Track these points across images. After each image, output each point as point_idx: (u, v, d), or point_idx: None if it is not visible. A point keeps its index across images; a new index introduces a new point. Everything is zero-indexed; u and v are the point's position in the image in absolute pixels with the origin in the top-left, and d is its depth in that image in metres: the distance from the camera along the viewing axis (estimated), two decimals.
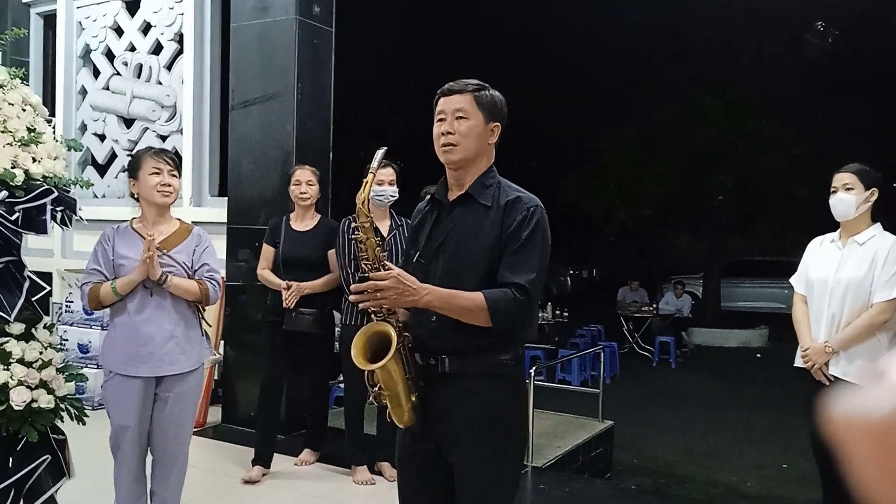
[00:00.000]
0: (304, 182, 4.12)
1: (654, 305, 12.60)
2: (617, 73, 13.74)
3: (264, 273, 4.14)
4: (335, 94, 5.18)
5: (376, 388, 2.00)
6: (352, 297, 1.91)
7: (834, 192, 3.17)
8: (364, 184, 1.97)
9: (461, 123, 1.99)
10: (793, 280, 3.39)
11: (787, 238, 12.60)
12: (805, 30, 14.06)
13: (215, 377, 5.33)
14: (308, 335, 4.07)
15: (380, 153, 2.00)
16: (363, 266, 1.96)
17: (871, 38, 13.27)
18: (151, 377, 2.86)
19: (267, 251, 4.18)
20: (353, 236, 2.05)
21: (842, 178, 3.14)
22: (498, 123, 2.05)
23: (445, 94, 2.04)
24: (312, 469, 4.30)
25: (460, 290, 1.95)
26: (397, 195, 3.94)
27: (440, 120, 2.03)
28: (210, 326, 3.30)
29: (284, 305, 3.98)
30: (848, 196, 3.11)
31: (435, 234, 2.07)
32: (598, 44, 13.73)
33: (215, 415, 5.13)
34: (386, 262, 1.95)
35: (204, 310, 3.06)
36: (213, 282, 2.96)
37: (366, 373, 2.01)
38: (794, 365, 3.27)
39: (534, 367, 5.30)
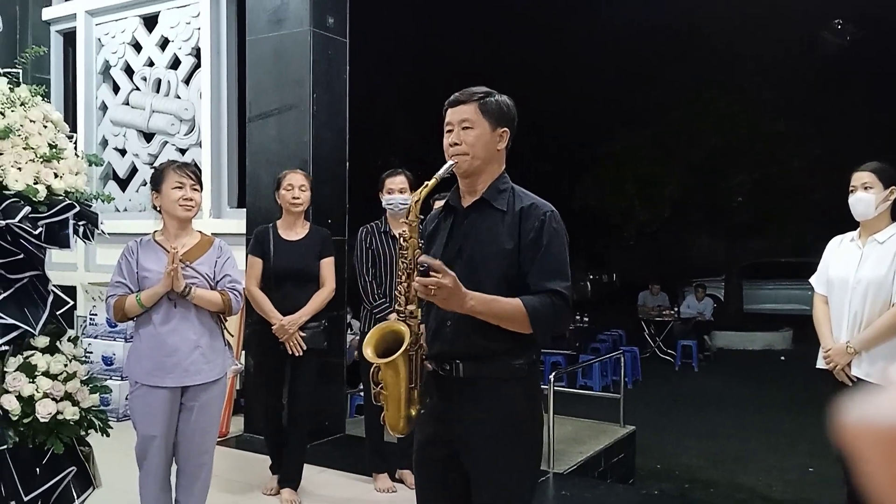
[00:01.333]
0: (297, 187, 3.82)
1: (676, 309, 12.52)
2: (631, 74, 13.70)
3: (256, 294, 3.75)
4: (350, 103, 5.22)
5: (378, 388, 2.03)
6: (414, 284, 1.91)
7: (853, 191, 3.14)
8: (424, 186, 2.04)
9: (467, 134, 2.02)
10: (813, 280, 3.36)
11: (807, 238, 12.48)
12: (821, 28, 13.94)
13: (237, 387, 5.38)
14: (303, 353, 3.79)
15: (449, 163, 2.04)
16: (400, 262, 2.02)
17: (887, 36, 13.13)
18: (177, 387, 2.90)
19: (255, 263, 3.79)
20: (400, 232, 2.09)
21: (861, 177, 3.12)
22: (507, 129, 2.07)
23: (452, 105, 2.07)
24: (333, 477, 4.31)
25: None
26: (409, 203, 3.93)
27: (448, 131, 2.06)
28: (232, 336, 3.34)
29: (287, 346, 3.73)
30: (867, 195, 3.08)
31: (451, 240, 2.09)
32: (612, 45, 13.68)
33: (238, 424, 5.16)
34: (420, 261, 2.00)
35: (226, 320, 3.10)
36: (234, 292, 3.00)
37: (371, 369, 2.05)
38: (817, 367, 3.24)
39: (554, 373, 5.28)
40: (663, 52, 13.40)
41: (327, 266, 3.88)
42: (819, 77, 12.80)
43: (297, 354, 3.75)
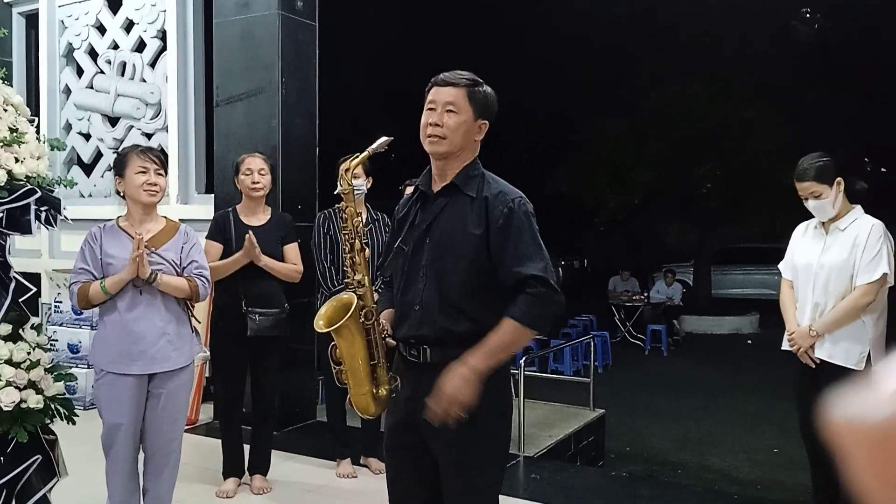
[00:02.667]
0: (256, 171, 3.70)
1: (646, 294, 12.65)
2: (605, 62, 13.71)
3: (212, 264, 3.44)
4: (321, 89, 5.17)
5: (339, 367, 2.04)
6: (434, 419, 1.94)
7: (805, 200, 3.19)
8: (354, 156, 2.09)
9: (450, 117, 2.00)
10: (780, 266, 3.43)
11: (776, 224, 12.66)
12: (791, 17, 14.09)
13: (206, 374, 5.33)
14: (265, 342, 3.72)
15: (384, 139, 2.06)
16: (342, 237, 2.02)
17: (855, 26, 13.33)
18: (144, 374, 2.86)
19: (212, 248, 3.63)
20: (338, 206, 2.12)
21: (805, 188, 3.16)
22: (486, 121, 2.06)
23: (439, 85, 2.03)
24: (301, 464, 4.30)
25: (446, 278, 1.98)
26: (364, 187, 3.87)
27: (430, 109, 2.02)
28: (199, 323, 3.30)
29: (254, 253, 3.57)
30: (820, 202, 3.14)
31: (420, 223, 2.08)
32: (585, 33, 13.68)
33: (207, 412, 5.12)
34: (360, 230, 2.07)
35: (193, 307, 3.07)
36: (202, 279, 2.96)
37: (329, 350, 2.06)
38: (782, 349, 3.31)
39: (524, 358, 5.31)
40: (637, 41, 13.45)
41: (293, 251, 3.81)
42: (788, 66, 12.95)
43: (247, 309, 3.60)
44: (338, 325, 1.98)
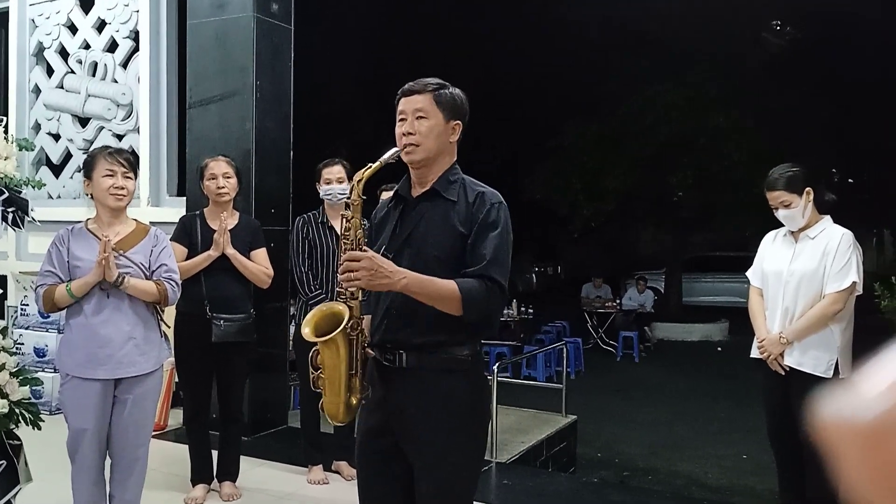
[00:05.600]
0: (221, 175, 3.63)
1: (618, 301, 12.74)
2: (580, 68, 13.80)
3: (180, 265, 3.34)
4: (298, 92, 5.14)
5: (317, 372, 2.02)
6: (340, 275, 1.92)
7: (775, 209, 3.24)
8: (368, 167, 2.04)
9: (421, 123, 2.01)
10: (749, 273, 3.47)
11: (748, 232, 12.80)
12: (765, 24, 14.32)
13: (176, 379, 5.26)
14: (231, 347, 3.64)
15: (394, 150, 2.04)
16: (343, 244, 2.00)
17: (826, 33, 13.59)
18: (110, 379, 2.82)
19: (177, 250, 3.47)
20: (343, 213, 2.07)
21: (775, 197, 3.21)
22: (459, 122, 2.08)
23: (406, 95, 2.06)
24: (272, 471, 4.26)
25: None
26: (347, 193, 3.87)
27: (401, 120, 2.05)
28: (169, 328, 3.26)
29: (221, 247, 3.54)
30: (790, 211, 3.19)
31: (401, 228, 2.09)
32: (562, 39, 13.78)
33: (177, 417, 5.05)
34: (365, 246, 1.99)
35: (163, 311, 3.03)
36: (171, 282, 2.93)
37: (311, 352, 2.03)
38: (751, 356, 3.35)
39: (497, 364, 5.32)
40: (611, 47, 13.56)
41: (261, 256, 3.74)
42: (762, 74, 13.14)
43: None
44: (328, 337, 1.96)
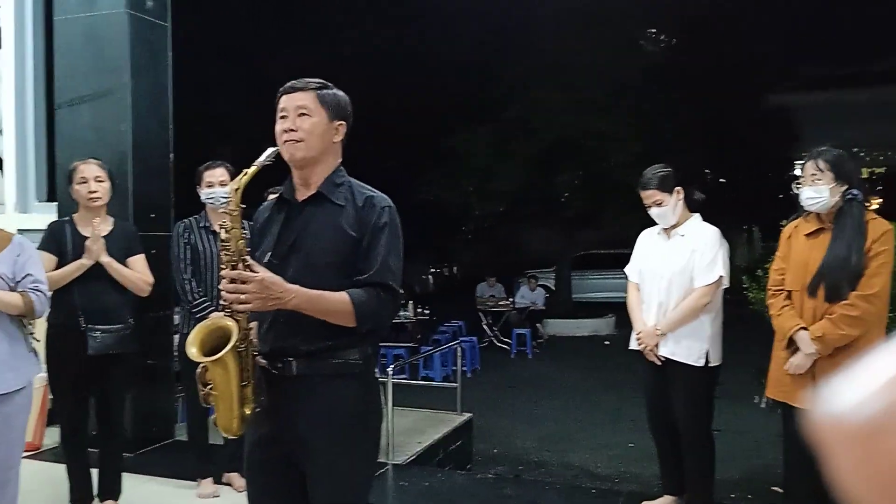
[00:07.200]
0: (92, 179, 3.43)
1: (511, 299, 13.02)
2: (471, 71, 14.05)
3: (49, 275, 3.16)
4: (178, 92, 4.96)
5: (206, 389, 1.95)
6: (222, 287, 1.85)
7: (648, 207, 3.41)
8: (244, 173, 1.96)
9: (304, 120, 1.97)
10: (627, 270, 3.63)
11: (629, 231, 13.32)
12: (643, 31, 15.02)
13: (50, 396, 4.96)
14: (109, 360, 3.46)
15: (270, 150, 1.98)
16: (222, 256, 1.91)
17: (702, 40, 14.39)
18: None
19: (45, 259, 3.26)
20: (220, 223, 1.97)
21: (648, 196, 3.39)
22: (343, 122, 2.05)
23: (287, 92, 2.01)
24: (158, 486, 4.09)
25: (318, 289, 1.92)
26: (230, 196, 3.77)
27: (283, 118, 1.99)
28: (38, 342, 3.07)
29: (95, 255, 3.35)
30: (661, 209, 3.37)
31: (285, 233, 2.03)
32: (452, 41, 13.96)
33: (53, 436, 4.77)
34: (247, 256, 1.91)
35: (32, 323, 2.85)
36: (38, 293, 2.76)
37: (198, 370, 1.96)
38: (630, 348, 3.50)
39: (393, 365, 5.32)
40: (501, 50, 13.87)
41: (140, 263, 3.56)
42: (638, 79, 13.75)
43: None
44: (216, 357, 1.88)
